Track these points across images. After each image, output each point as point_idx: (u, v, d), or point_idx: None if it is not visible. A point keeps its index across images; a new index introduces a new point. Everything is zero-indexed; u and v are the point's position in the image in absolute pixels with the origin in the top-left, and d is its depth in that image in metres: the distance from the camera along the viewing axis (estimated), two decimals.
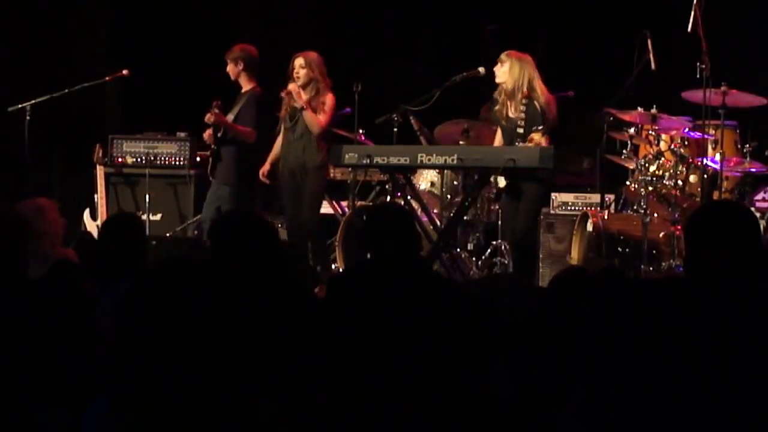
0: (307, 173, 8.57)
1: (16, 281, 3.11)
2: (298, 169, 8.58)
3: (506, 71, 7.80)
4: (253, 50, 8.92)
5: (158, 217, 9.73)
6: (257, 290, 3.53)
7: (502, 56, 7.85)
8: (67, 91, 9.27)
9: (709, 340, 2.99)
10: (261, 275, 3.67)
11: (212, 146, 8.97)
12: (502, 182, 7.96)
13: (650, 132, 8.29)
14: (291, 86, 8.52)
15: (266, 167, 8.93)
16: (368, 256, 4.65)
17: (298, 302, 3.64)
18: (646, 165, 8.24)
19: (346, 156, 7.68)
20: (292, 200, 8.65)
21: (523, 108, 7.77)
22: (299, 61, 8.57)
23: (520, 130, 7.81)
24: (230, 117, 8.87)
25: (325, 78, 8.57)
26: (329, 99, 8.53)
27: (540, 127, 7.66)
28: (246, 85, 8.88)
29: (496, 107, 7.96)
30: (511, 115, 7.85)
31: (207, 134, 9.03)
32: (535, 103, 7.81)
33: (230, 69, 8.89)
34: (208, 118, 8.74)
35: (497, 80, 7.86)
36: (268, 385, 3.06)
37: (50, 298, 2.83)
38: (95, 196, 9.58)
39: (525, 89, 7.78)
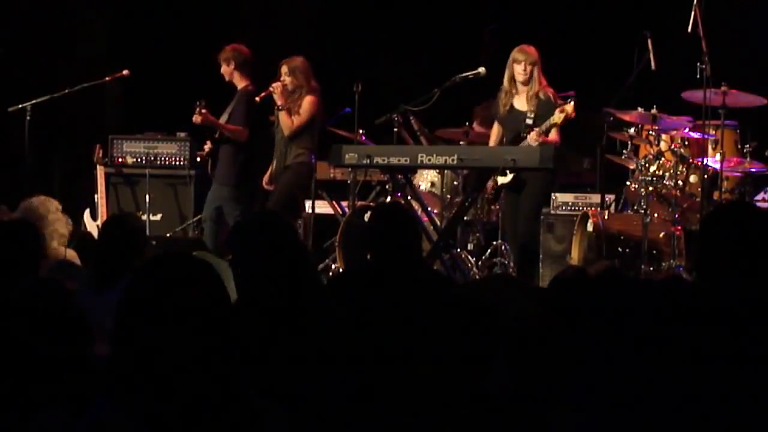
0: (283, 172, 8.63)
1: (24, 283, 3.11)
2: (279, 170, 8.67)
3: (530, 70, 7.78)
4: (244, 49, 8.93)
5: (158, 217, 9.72)
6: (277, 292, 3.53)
7: (518, 55, 7.81)
8: (67, 91, 9.26)
9: (714, 341, 2.98)
10: (282, 277, 3.67)
11: (209, 152, 9.09)
12: (501, 180, 7.95)
13: (650, 132, 8.29)
14: (274, 84, 8.55)
15: (267, 175, 8.98)
16: (368, 256, 4.65)
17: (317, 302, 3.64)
18: (647, 165, 8.24)
19: (347, 156, 7.68)
20: None
21: (535, 100, 7.79)
22: (284, 69, 8.65)
23: (529, 121, 7.81)
24: (224, 117, 8.90)
25: (309, 82, 8.59)
26: (306, 102, 8.56)
27: (549, 123, 7.67)
28: (240, 84, 8.90)
29: (502, 100, 7.92)
30: (519, 107, 7.85)
31: (206, 149, 9.13)
32: (548, 94, 7.83)
33: (223, 70, 8.92)
34: (195, 119, 8.77)
35: (519, 79, 7.82)
36: (268, 384, 3.06)
37: (47, 298, 2.83)
38: (95, 196, 9.58)
39: (538, 82, 7.81)
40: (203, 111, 8.71)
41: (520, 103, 7.87)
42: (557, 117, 7.67)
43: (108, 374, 2.44)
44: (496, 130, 8.17)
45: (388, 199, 8.70)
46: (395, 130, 8.63)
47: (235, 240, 3.83)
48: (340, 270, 8.60)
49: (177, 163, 9.87)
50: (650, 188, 8.18)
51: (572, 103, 7.64)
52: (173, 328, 2.37)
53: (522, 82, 7.83)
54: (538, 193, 7.89)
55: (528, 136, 7.76)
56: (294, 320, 3.44)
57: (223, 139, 8.90)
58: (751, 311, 3.06)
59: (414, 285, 4.01)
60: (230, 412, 2.38)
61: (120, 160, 9.89)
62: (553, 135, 7.79)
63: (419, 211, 8.14)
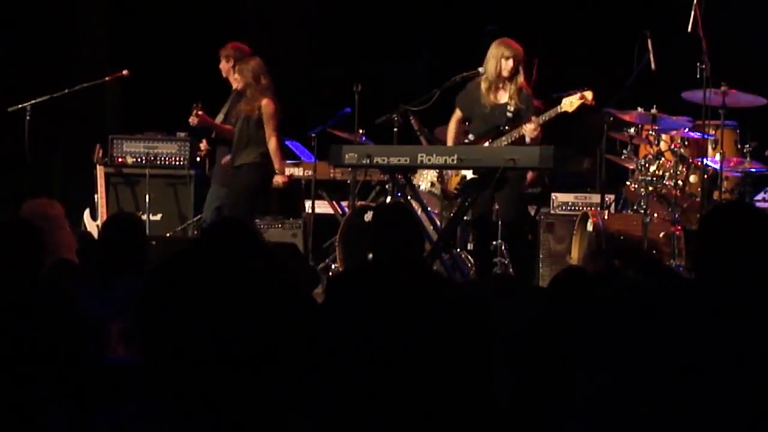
0: (236, 173, 8.59)
1: (25, 285, 3.11)
2: (231, 168, 8.67)
3: (516, 66, 7.80)
4: (246, 49, 8.92)
5: (158, 217, 9.73)
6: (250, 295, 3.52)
7: (507, 50, 7.80)
8: (67, 91, 9.26)
9: (714, 340, 2.99)
10: (248, 283, 3.65)
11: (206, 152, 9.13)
12: (466, 173, 7.95)
13: (650, 132, 8.30)
14: (191, 120, 8.78)
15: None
16: (369, 256, 4.66)
17: (294, 305, 3.63)
18: (646, 165, 8.24)
19: (347, 156, 7.67)
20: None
21: (516, 96, 7.81)
22: (237, 68, 8.58)
23: (510, 114, 7.81)
24: (220, 116, 8.93)
25: (258, 81, 8.46)
26: (264, 106, 8.41)
27: (536, 117, 7.70)
28: (236, 84, 8.91)
29: (482, 93, 7.89)
30: (499, 101, 7.85)
31: (203, 148, 9.16)
32: (528, 91, 7.87)
33: (222, 66, 8.93)
34: (192, 120, 8.78)
35: (505, 74, 7.80)
36: (268, 387, 3.06)
37: (47, 298, 2.83)
38: (95, 196, 9.58)
39: (521, 78, 7.83)
40: (200, 113, 8.73)
41: (502, 97, 7.87)
42: (568, 105, 7.64)
43: (130, 375, 2.44)
44: (457, 119, 8.13)
45: (388, 199, 8.70)
46: (395, 129, 8.62)
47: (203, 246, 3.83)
48: (340, 270, 8.60)
49: (177, 163, 9.87)
50: (650, 188, 8.19)
51: (590, 92, 7.63)
52: (196, 325, 2.36)
53: (507, 78, 7.82)
54: (514, 186, 7.86)
55: (524, 126, 7.70)
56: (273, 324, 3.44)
57: (220, 139, 8.91)
58: (748, 310, 3.06)
59: (414, 285, 4.01)
60: (250, 416, 2.37)
61: (120, 160, 9.89)
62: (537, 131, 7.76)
63: (419, 211, 8.14)
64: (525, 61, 7.88)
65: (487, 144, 7.79)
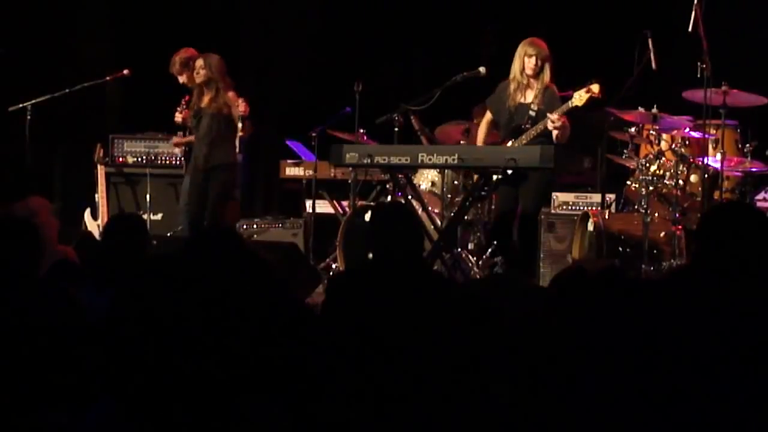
0: (215, 172, 8.56)
1: (25, 284, 3.11)
2: (204, 168, 8.58)
3: (540, 65, 7.76)
4: (193, 51, 9.01)
5: (159, 216, 9.74)
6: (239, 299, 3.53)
7: (530, 49, 7.75)
8: (67, 91, 9.27)
9: (712, 339, 2.99)
10: (237, 289, 3.65)
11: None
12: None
13: (651, 132, 8.30)
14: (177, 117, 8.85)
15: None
16: (369, 255, 4.65)
17: (281, 309, 3.64)
18: (647, 165, 8.24)
19: (347, 156, 7.67)
20: (198, 198, 8.65)
21: (541, 95, 7.76)
22: (198, 62, 8.60)
23: (532, 113, 7.75)
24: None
25: (224, 78, 8.54)
26: (233, 98, 8.49)
27: (568, 105, 7.64)
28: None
29: (508, 93, 7.83)
30: (522, 101, 7.81)
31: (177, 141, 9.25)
32: (553, 89, 7.81)
33: (184, 77, 9.06)
34: (179, 118, 8.86)
35: (529, 72, 7.75)
36: (267, 386, 3.06)
37: (49, 298, 2.83)
38: (96, 195, 9.59)
39: (546, 77, 7.79)
40: (186, 110, 8.83)
41: (527, 96, 7.83)
42: (578, 99, 7.59)
43: (107, 374, 2.45)
44: (487, 120, 8.07)
45: (389, 198, 8.70)
46: (396, 129, 8.63)
47: (191, 253, 3.82)
48: (341, 270, 8.61)
49: (177, 162, 9.89)
50: (651, 188, 8.19)
51: (597, 84, 7.60)
52: (168, 327, 2.37)
53: (531, 76, 7.78)
54: (540, 188, 7.83)
55: (549, 116, 7.61)
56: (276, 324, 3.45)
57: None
58: (746, 308, 3.06)
59: (415, 285, 4.01)
60: (230, 410, 2.38)
61: (121, 159, 9.91)
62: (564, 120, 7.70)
63: (420, 211, 8.14)
64: (551, 60, 7.81)
65: (510, 144, 7.74)
